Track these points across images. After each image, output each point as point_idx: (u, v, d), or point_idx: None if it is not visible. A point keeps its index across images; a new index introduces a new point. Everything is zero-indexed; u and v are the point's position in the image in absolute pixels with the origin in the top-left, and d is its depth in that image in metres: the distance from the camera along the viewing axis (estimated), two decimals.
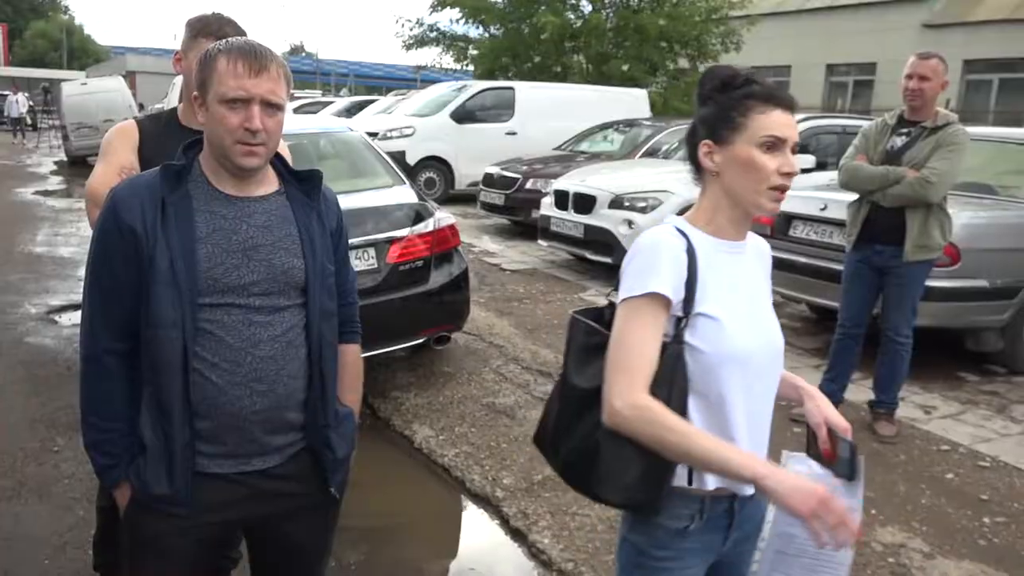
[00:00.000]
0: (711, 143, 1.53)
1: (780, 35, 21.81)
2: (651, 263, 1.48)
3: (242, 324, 1.62)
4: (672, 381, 1.47)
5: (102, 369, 1.66)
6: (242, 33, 2.33)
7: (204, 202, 1.64)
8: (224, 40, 1.62)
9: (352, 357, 1.92)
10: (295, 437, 1.73)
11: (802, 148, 7.29)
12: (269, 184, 1.72)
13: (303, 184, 1.74)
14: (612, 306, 1.57)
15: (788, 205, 5.42)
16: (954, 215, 5.02)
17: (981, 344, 5.16)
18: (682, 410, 1.47)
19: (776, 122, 1.49)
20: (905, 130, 4.10)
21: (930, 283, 4.83)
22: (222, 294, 1.61)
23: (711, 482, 1.52)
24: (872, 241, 4.08)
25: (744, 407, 1.52)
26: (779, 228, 5.56)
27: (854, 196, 4.21)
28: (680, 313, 1.48)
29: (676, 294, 1.47)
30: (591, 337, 1.57)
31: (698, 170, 1.58)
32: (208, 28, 2.31)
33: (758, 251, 1.66)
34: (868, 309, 4.23)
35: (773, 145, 1.49)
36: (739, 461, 1.41)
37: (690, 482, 1.53)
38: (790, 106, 1.52)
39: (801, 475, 1.49)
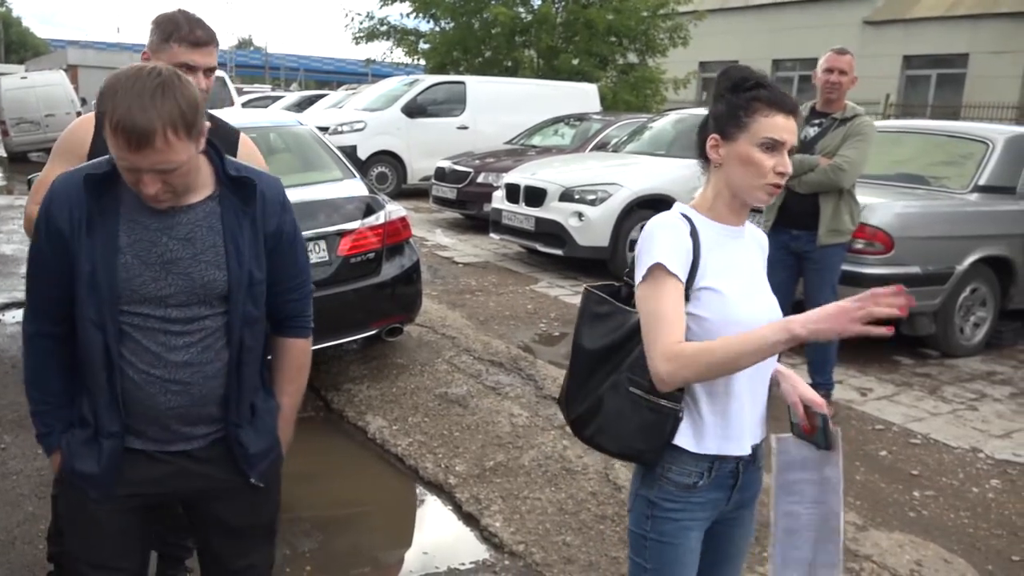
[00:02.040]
0: (718, 137, 1.69)
1: (727, 31, 22.17)
2: (660, 243, 1.63)
3: (159, 331, 1.67)
4: None
5: (39, 348, 1.75)
6: (211, 34, 2.33)
7: (130, 209, 1.65)
8: (117, 95, 1.51)
9: (296, 351, 1.93)
10: (217, 427, 1.79)
11: None
12: (202, 189, 1.70)
13: (238, 190, 1.72)
14: (627, 285, 1.77)
15: None
16: (888, 204, 5.24)
17: (915, 328, 5.38)
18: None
19: (777, 125, 1.63)
20: (817, 121, 4.35)
21: (865, 270, 5.04)
22: (140, 304, 1.65)
23: (713, 447, 1.68)
24: (788, 226, 4.28)
25: (748, 380, 1.67)
26: None
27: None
28: (683, 287, 1.63)
29: (682, 270, 1.62)
30: (600, 306, 1.77)
31: (705, 160, 1.73)
32: (179, 32, 2.27)
33: (756, 239, 1.82)
34: (790, 294, 4.40)
35: (772, 146, 1.64)
36: (772, 332, 1.54)
37: (670, 438, 1.67)
38: (792, 111, 1.66)
39: (790, 449, 1.76)
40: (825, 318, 1.50)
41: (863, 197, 4.92)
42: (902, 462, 3.90)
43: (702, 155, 1.73)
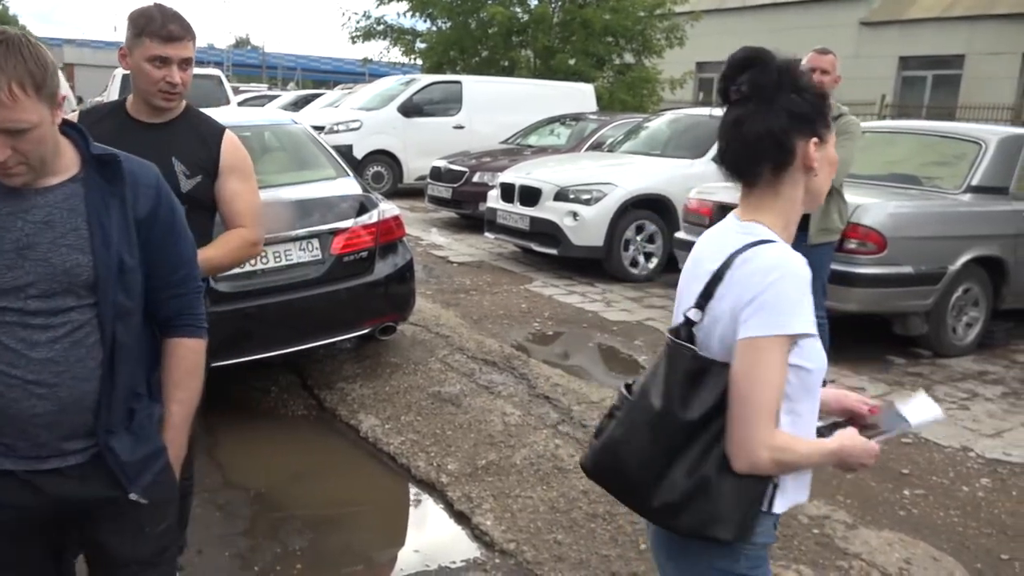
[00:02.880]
0: (819, 140, 1.50)
1: (725, 31, 22.15)
2: (798, 299, 1.40)
3: (17, 326, 1.53)
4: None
5: None
6: (187, 27, 2.34)
7: None
8: None
9: (184, 351, 1.78)
10: (95, 440, 1.62)
11: None
12: (64, 170, 1.59)
13: (103, 169, 1.60)
14: (689, 323, 1.50)
15: (722, 196, 5.60)
16: (881, 205, 5.25)
17: (907, 328, 5.40)
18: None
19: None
20: None
21: (858, 270, 5.06)
22: None
23: (780, 505, 1.52)
24: None
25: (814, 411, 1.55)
26: (716, 218, 5.72)
27: None
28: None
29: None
30: (696, 362, 1.46)
31: (775, 168, 1.48)
32: (152, 26, 2.29)
33: None
34: None
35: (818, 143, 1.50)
36: (831, 447, 1.51)
37: (770, 507, 1.51)
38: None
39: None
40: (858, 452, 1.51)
41: (857, 197, 4.94)
42: (893, 461, 3.91)
43: (777, 160, 1.48)
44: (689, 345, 1.47)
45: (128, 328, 1.63)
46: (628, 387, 1.58)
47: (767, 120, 1.45)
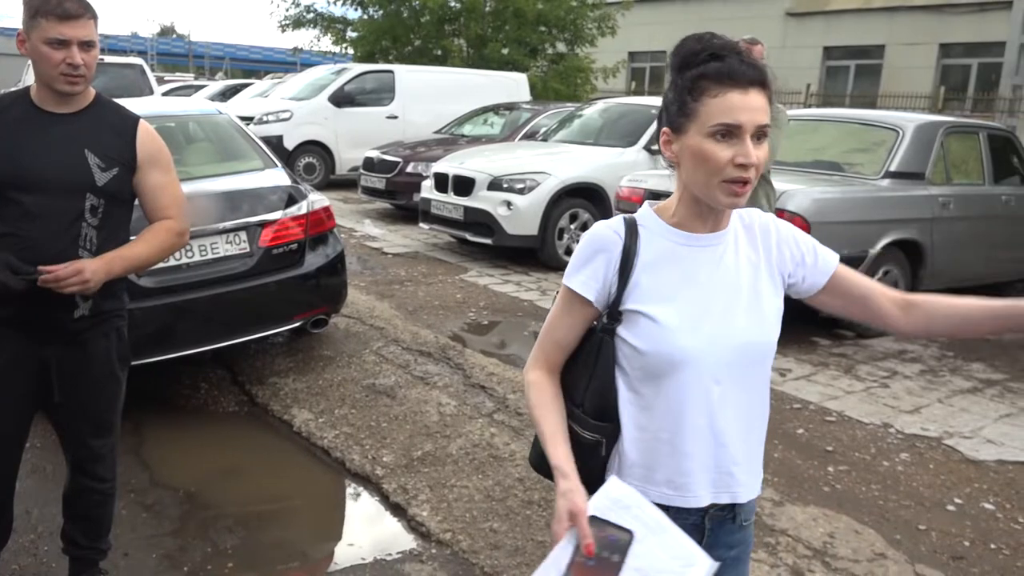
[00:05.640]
0: (669, 131, 1.41)
1: (655, 21, 22.45)
2: (578, 258, 1.49)
3: None
4: (592, 368, 1.48)
5: None
6: (86, 5, 2.22)
7: None
8: None
9: None
10: None
11: None
12: None
13: None
14: None
15: (653, 183, 5.67)
16: (805, 191, 5.39)
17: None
18: (605, 400, 1.46)
19: (729, 106, 1.33)
20: None
21: None
22: None
23: (653, 494, 1.44)
24: None
25: (705, 420, 1.43)
26: None
27: None
28: (608, 308, 1.46)
29: (598, 292, 1.45)
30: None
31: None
32: (47, 5, 2.17)
33: (750, 240, 1.50)
34: None
35: (726, 133, 1.34)
36: (551, 457, 1.44)
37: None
38: (752, 83, 1.35)
39: (600, 495, 1.42)
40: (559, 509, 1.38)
41: (782, 183, 5.07)
42: (818, 439, 4.04)
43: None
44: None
45: None
46: None
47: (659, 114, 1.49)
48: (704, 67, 1.35)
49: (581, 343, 1.51)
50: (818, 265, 1.53)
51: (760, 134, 1.36)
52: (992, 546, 3.16)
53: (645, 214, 1.49)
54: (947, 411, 4.48)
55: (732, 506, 1.50)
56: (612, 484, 1.42)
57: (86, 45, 2.23)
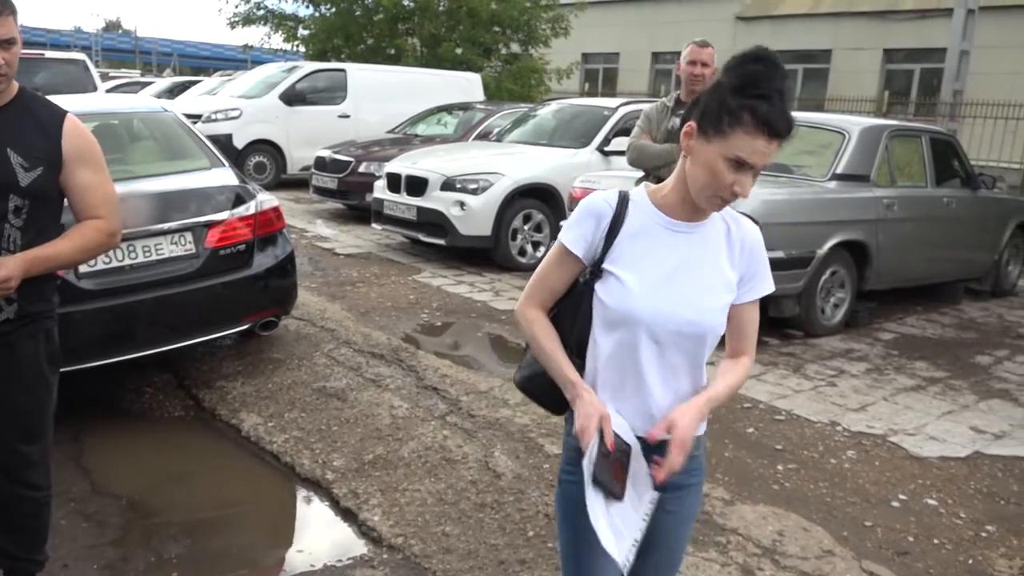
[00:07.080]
0: (695, 127, 1.61)
1: (608, 23, 22.59)
2: (572, 219, 1.74)
3: None
4: (575, 313, 1.75)
5: None
6: (3, 2, 2.12)
7: None
8: None
9: None
10: None
11: (623, 130, 7.67)
12: None
13: None
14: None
15: (605, 184, 5.69)
16: (755, 192, 5.44)
17: (781, 310, 5.65)
18: (582, 339, 1.74)
19: (754, 149, 1.54)
20: (682, 111, 4.48)
21: None
22: None
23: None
24: None
25: (659, 375, 1.69)
26: None
27: (641, 173, 4.56)
28: (592, 265, 1.71)
29: (585, 250, 1.71)
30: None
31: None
32: None
33: (727, 239, 1.71)
34: None
35: (740, 165, 1.55)
36: (564, 375, 1.71)
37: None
38: (779, 135, 1.55)
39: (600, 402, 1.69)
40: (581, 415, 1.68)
41: None
42: (767, 438, 4.09)
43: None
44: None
45: None
46: None
47: (695, 100, 1.70)
48: (754, 103, 1.53)
49: (567, 291, 1.77)
50: (754, 286, 1.77)
51: (758, 172, 1.60)
52: (935, 541, 3.23)
53: (638, 192, 1.74)
54: (892, 409, 4.58)
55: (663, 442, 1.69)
56: (611, 409, 1.71)
57: (6, 43, 2.14)
